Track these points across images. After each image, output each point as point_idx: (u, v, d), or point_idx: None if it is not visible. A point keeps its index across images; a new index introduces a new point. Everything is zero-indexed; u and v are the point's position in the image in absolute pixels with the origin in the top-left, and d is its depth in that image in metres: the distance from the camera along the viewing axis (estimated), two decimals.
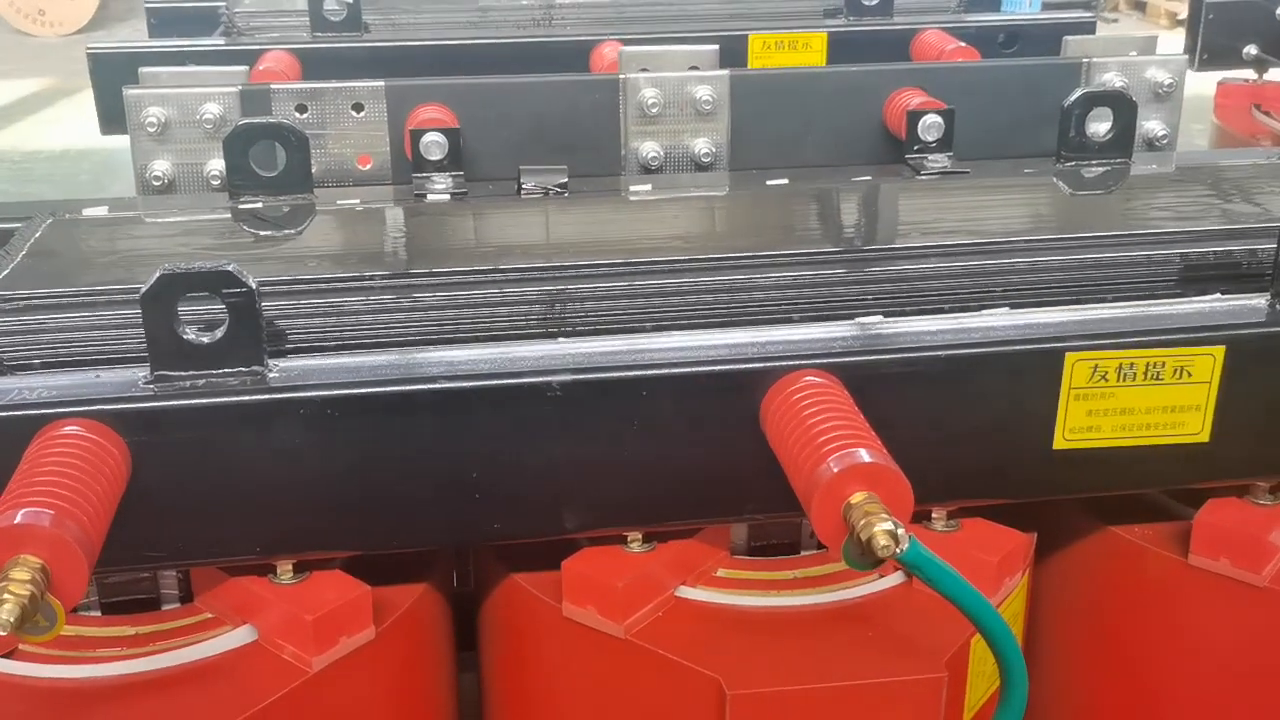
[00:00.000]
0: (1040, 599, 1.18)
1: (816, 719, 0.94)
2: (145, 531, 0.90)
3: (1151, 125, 1.51)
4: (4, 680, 0.93)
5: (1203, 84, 2.46)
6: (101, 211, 1.22)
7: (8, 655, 0.94)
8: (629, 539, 1.01)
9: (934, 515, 1.06)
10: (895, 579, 1.03)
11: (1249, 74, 2.39)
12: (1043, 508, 1.13)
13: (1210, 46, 2.34)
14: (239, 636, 0.97)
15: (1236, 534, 1.04)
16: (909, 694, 0.94)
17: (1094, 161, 1.35)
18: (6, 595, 0.72)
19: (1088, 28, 2.06)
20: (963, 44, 1.94)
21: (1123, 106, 1.35)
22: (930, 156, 1.38)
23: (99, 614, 1.00)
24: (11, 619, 0.71)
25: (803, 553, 1.08)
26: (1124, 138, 1.36)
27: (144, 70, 1.43)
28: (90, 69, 1.93)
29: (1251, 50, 2.33)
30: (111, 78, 1.76)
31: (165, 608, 1.01)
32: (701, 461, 0.96)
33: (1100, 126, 1.37)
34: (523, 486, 0.94)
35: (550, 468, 0.94)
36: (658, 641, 0.97)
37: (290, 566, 0.98)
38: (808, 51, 2.00)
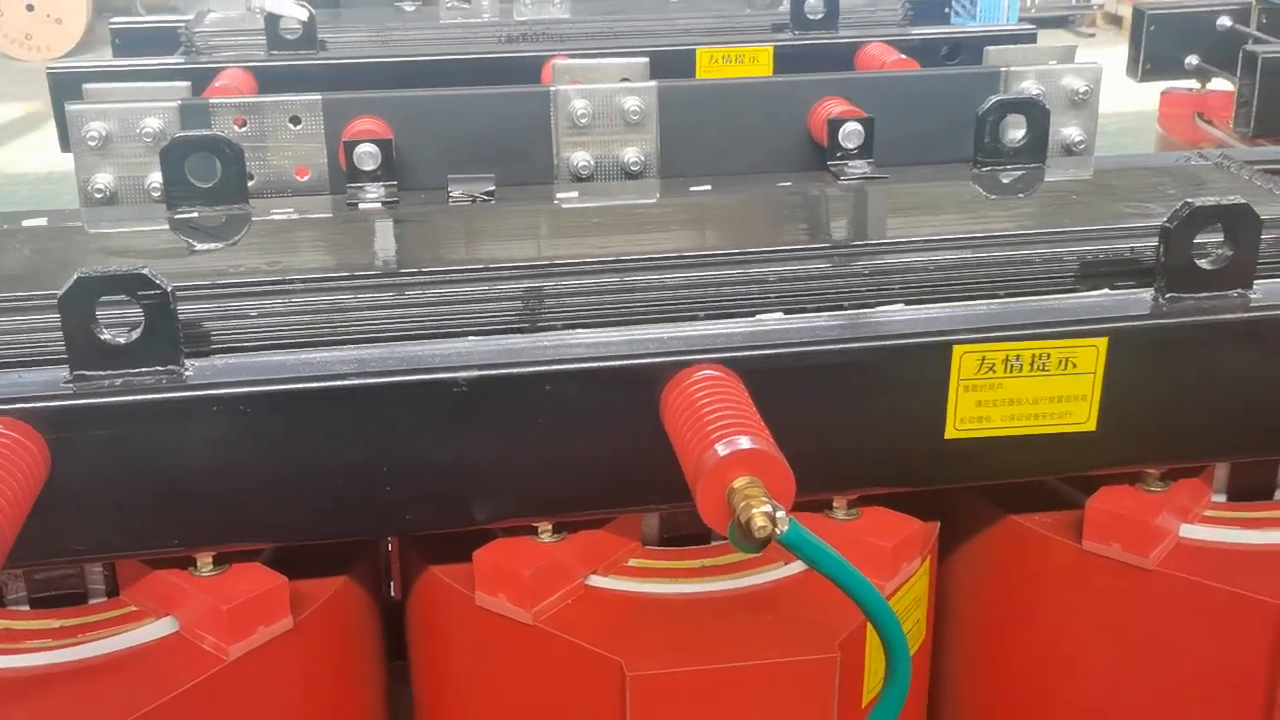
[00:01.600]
0: (948, 587, 1.22)
1: (714, 699, 0.98)
2: (66, 525, 0.94)
3: (1069, 131, 1.56)
4: None
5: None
6: (40, 223, 1.26)
7: None
8: (539, 530, 1.05)
9: (835, 504, 1.10)
10: (797, 566, 1.07)
11: (1192, 84, 2.45)
12: (946, 498, 1.17)
13: (1152, 57, 2.39)
14: (161, 627, 1.01)
15: (1126, 520, 1.08)
16: (803, 674, 0.98)
17: (1008, 166, 1.40)
18: None
19: (1028, 39, 2.11)
20: (904, 57, 1.98)
21: (1035, 113, 1.40)
22: (851, 163, 1.43)
23: (28, 609, 1.04)
24: None
25: (713, 543, 1.11)
26: (1037, 143, 1.40)
27: (88, 86, 1.48)
28: (50, 89, 1.97)
29: (1193, 60, 2.38)
30: (71, 97, 1.81)
31: (92, 602, 1.05)
32: (605, 454, 0.99)
33: (1015, 133, 1.41)
34: (432, 479, 0.98)
35: (459, 460, 0.98)
36: (563, 627, 1.01)
37: (210, 559, 1.01)
38: (754, 65, 2.05)
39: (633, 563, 1.08)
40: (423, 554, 1.11)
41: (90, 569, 1.04)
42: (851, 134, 1.43)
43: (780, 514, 0.85)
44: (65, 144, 1.91)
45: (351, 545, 1.12)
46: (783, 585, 1.06)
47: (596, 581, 1.06)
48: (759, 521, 0.83)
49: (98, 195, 1.39)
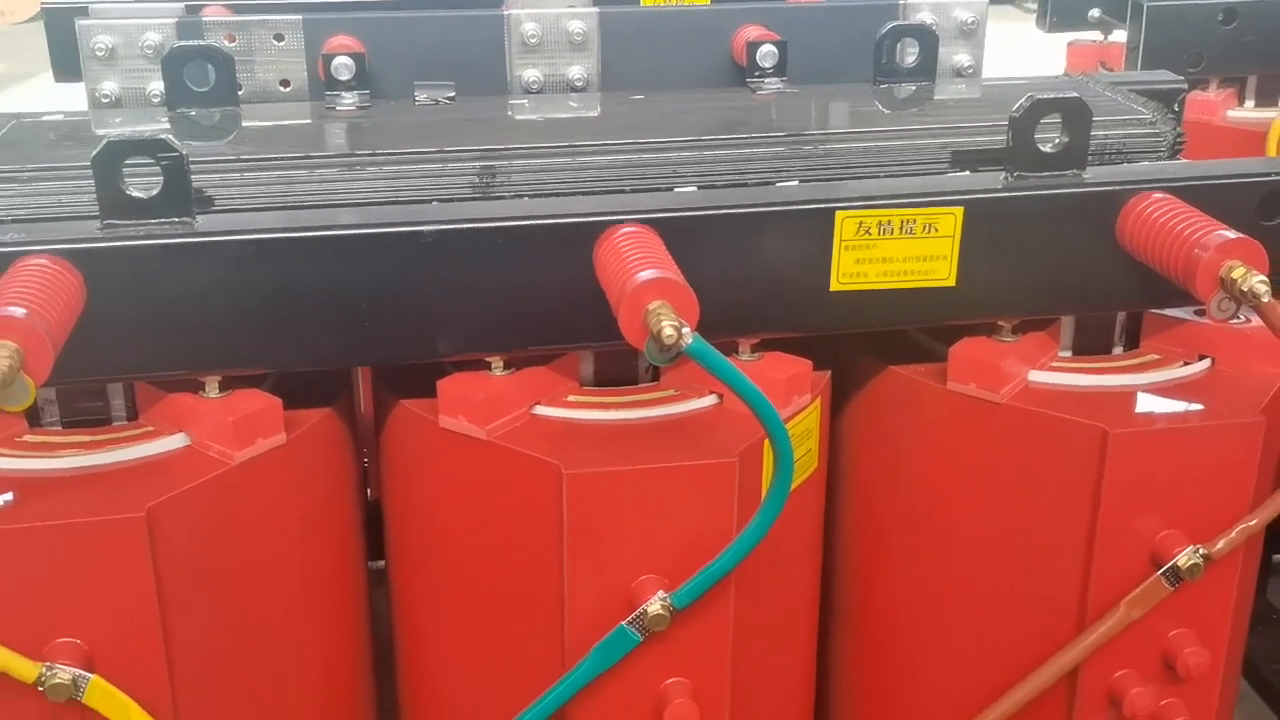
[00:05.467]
0: (844, 437, 1.44)
1: (637, 495, 1.19)
2: (97, 349, 1.13)
3: (960, 57, 1.77)
4: None
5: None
6: (59, 118, 1.45)
7: None
8: (492, 365, 1.26)
9: (740, 348, 1.31)
10: (711, 400, 1.28)
11: (1096, 35, 2.67)
12: (839, 357, 1.38)
13: (1058, 9, 2.61)
14: (175, 441, 1.20)
15: (981, 362, 1.30)
16: (708, 474, 1.19)
17: (902, 83, 1.61)
18: None
19: None
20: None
21: (926, 38, 1.61)
22: (767, 80, 1.64)
23: (60, 429, 1.23)
24: None
25: (640, 384, 1.32)
26: (927, 64, 1.62)
27: (94, 7, 1.66)
28: (45, 21, 2.14)
29: (1095, 13, 2.61)
30: (63, 28, 1.98)
31: (115, 423, 1.24)
32: (547, 298, 1.20)
33: (909, 56, 1.63)
34: (402, 316, 1.18)
35: (424, 301, 1.18)
36: (512, 441, 1.21)
37: (216, 384, 1.21)
38: None
39: (571, 397, 1.29)
40: (393, 391, 1.31)
41: (113, 396, 1.23)
42: (767, 55, 1.63)
43: (685, 329, 1.06)
44: (60, 75, 2.10)
45: (334, 382, 1.32)
46: (696, 414, 1.27)
47: (541, 410, 1.26)
48: (667, 331, 1.04)
49: (104, 100, 1.58)
